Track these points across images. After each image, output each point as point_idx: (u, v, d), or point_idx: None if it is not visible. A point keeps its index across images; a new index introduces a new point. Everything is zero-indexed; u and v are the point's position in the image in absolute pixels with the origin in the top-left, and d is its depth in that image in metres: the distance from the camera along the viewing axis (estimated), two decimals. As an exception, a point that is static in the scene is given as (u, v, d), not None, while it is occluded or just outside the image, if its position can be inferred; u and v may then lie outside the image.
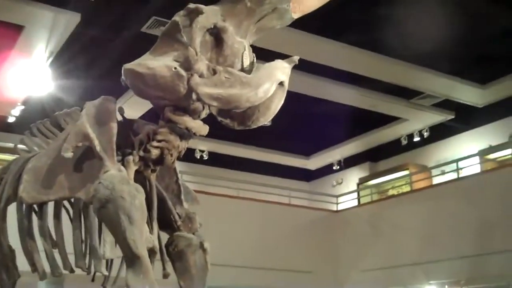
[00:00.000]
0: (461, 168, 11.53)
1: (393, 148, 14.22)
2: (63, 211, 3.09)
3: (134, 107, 8.66)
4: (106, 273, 3.11)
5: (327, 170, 16.05)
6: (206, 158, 14.00)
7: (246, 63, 2.96)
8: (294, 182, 16.04)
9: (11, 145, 11.07)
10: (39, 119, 9.66)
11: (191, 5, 2.95)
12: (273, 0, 2.97)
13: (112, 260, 3.03)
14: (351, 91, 11.11)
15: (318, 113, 11.55)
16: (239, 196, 11.70)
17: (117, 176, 2.69)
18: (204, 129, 3.01)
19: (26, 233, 3.07)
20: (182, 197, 3.28)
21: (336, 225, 12.55)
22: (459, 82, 11.07)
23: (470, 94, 11.59)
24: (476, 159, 11.85)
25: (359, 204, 13.59)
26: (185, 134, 2.95)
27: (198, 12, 2.90)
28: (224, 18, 2.96)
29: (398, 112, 12.47)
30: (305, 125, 12.73)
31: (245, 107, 2.87)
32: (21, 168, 3.21)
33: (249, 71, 2.92)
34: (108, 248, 2.66)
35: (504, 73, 10.99)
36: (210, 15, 2.92)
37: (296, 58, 3.04)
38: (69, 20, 7.99)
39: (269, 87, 2.86)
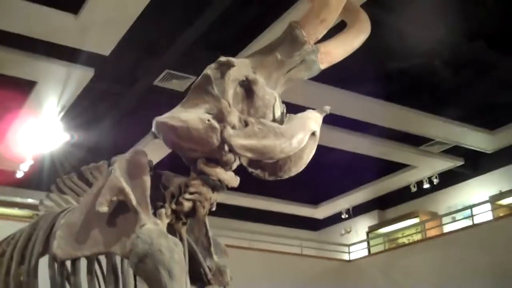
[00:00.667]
0: (473, 216, 11.45)
1: (402, 196, 14.17)
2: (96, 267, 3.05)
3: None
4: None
5: (335, 219, 15.94)
6: (213, 209, 13.84)
7: (278, 114, 2.96)
8: (302, 231, 15.91)
9: (19, 199, 11.13)
10: (49, 173, 9.68)
11: (223, 58, 2.98)
12: (302, 52, 2.98)
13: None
14: (361, 139, 11.15)
15: (327, 162, 11.55)
16: (250, 247, 11.60)
17: (155, 230, 2.66)
18: (236, 180, 3.00)
19: None
20: (212, 249, 3.23)
21: (348, 275, 12.39)
22: (468, 129, 11.12)
23: (479, 140, 11.64)
24: (488, 205, 11.79)
25: (370, 254, 13.45)
26: (218, 186, 2.94)
27: (230, 65, 2.92)
28: (255, 70, 2.98)
29: (407, 159, 12.48)
30: (313, 174, 12.58)
31: (279, 157, 2.87)
32: (51, 224, 3.17)
33: (280, 121, 2.93)
34: (146, 304, 2.62)
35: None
36: (242, 67, 2.94)
37: (327, 108, 3.05)
38: (82, 75, 8.11)
39: (303, 137, 2.86)
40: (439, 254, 10.80)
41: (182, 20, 7.36)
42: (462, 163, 12.68)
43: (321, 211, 15.82)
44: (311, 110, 2.99)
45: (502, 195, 12.02)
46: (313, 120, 2.94)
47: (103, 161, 3.54)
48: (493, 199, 11.95)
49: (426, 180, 13.28)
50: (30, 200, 10.41)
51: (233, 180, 2.97)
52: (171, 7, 7.23)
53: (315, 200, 15.40)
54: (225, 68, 2.92)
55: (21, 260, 3.24)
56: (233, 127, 2.81)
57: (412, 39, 8.07)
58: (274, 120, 2.90)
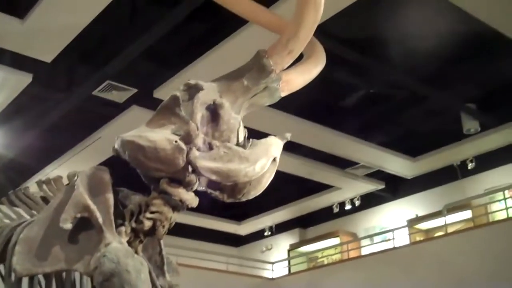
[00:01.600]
0: (393, 239, 11.90)
1: (324, 215, 14.55)
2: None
3: (76, 166, 8.53)
4: None
5: (257, 236, 16.10)
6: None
7: (241, 138, 3.05)
8: (223, 247, 15.97)
9: None
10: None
11: (192, 81, 3.04)
12: (268, 80, 3.08)
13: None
14: (288, 159, 11.36)
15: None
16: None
17: (122, 250, 2.67)
18: (196, 201, 3.05)
19: None
20: (165, 268, 3.26)
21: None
22: (391, 154, 11.61)
23: (400, 166, 12.16)
24: (405, 229, 12.31)
25: (291, 272, 13.67)
26: (179, 206, 2.97)
27: (198, 88, 2.98)
28: (221, 94, 3.04)
29: (332, 180, 12.84)
30: (238, 190, 12.74)
31: (243, 181, 2.94)
32: (6, 237, 3.11)
33: (243, 146, 3.01)
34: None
35: (432, 147, 11.66)
36: (209, 91, 3.00)
37: (288, 135, 3.17)
38: (19, 80, 7.88)
39: (266, 162, 2.96)
40: (360, 275, 11.12)
41: (129, 33, 7.34)
42: (383, 186, 13.21)
43: (245, 228, 15.94)
44: (273, 137, 3.11)
45: (418, 219, 12.58)
46: (275, 146, 3.05)
47: (58, 175, 3.50)
48: (411, 223, 12.49)
49: (348, 202, 13.71)
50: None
51: (194, 200, 3.02)
52: (119, 19, 7.21)
53: (239, 217, 15.50)
54: (193, 91, 2.98)
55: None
56: (198, 149, 2.86)
57: (341, 68, 8.40)
58: (238, 144, 2.98)
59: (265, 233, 15.69)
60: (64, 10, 6.70)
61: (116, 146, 3.01)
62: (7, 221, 3.48)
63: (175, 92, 3.02)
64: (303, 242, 15.06)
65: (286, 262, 14.34)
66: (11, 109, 8.79)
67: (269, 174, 3.05)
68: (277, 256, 15.10)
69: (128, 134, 3.00)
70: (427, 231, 12.51)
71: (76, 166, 9.55)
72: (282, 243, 15.53)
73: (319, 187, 13.36)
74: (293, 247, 15.01)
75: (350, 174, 12.64)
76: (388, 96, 9.63)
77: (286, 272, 14.00)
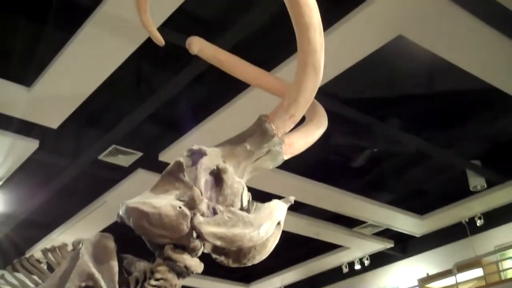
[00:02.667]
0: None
1: (334, 276, 14.33)
2: None
3: (82, 230, 8.55)
4: None
5: (266, 298, 15.86)
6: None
7: (245, 202, 3.05)
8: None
9: None
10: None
11: (195, 147, 3.05)
12: (270, 144, 3.10)
13: None
14: (295, 219, 11.31)
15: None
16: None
17: (125, 318, 2.65)
18: (201, 267, 3.02)
19: None
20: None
21: None
22: (398, 213, 11.54)
23: (408, 224, 12.06)
24: (416, 288, 12.13)
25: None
26: (184, 272, 2.94)
27: (202, 154, 2.99)
28: (224, 159, 3.05)
29: (340, 240, 12.72)
30: (246, 252, 12.65)
31: (248, 246, 2.92)
32: (9, 306, 3.09)
33: (247, 210, 3.00)
34: None
35: (439, 205, 11.60)
36: (213, 156, 3.01)
37: (292, 198, 3.17)
38: (26, 146, 7.98)
39: (270, 226, 2.94)
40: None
41: (134, 98, 7.48)
42: (392, 245, 13.08)
43: (253, 290, 15.73)
44: (277, 200, 3.11)
45: (429, 278, 12.38)
46: (279, 210, 3.04)
47: (63, 243, 3.49)
48: (422, 282, 12.29)
49: (357, 261, 13.56)
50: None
51: (199, 266, 2.99)
52: (125, 85, 7.35)
53: (247, 279, 15.30)
54: (197, 156, 2.99)
55: None
56: (203, 215, 2.86)
57: (344, 128, 8.48)
58: (242, 208, 2.98)
59: (274, 295, 15.45)
60: (69, 78, 6.85)
61: (120, 213, 3.00)
62: (11, 289, 3.46)
63: (178, 158, 3.04)
64: (313, 304, 14.81)
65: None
66: (18, 174, 8.86)
67: (274, 238, 3.03)
68: (286, 318, 14.82)
69: (132, 200, 3.00)
70: (440, 290, 12.30)
71: (82, 230, 9.60)
72: (292, 305, 15.28)
73: (328, 247, 13.23)
74: (302, 309, 14.76)
75: (358, 233, 12.54)
76: (393, 155, 9.66)
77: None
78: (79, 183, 9.27)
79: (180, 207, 2.81)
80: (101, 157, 8.58)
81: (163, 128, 8.41)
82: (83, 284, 2.76)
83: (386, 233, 12.73)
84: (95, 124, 8.23)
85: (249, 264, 3.06)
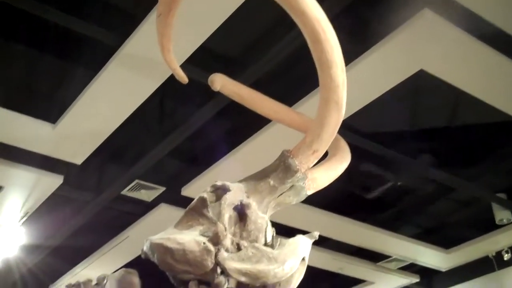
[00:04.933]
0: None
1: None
2: None
3: (105, 265, 8.57)
4: None
5: (289, 335, 15.61)
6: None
7: (269, 238, 3.04)
8: None
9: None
10: (6, 280, 9.30)
11: (219, 183, 3.05)
12: (294, 179, 3.10)
13: None
14: (318, 253, 11.22)
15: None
16: None
17: None
18: (225, 302, 3.01)
19: None
20: None
21: None
22: (424, 247, 11.37)
23: (434, 258, 11.86)
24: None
25: None
26: (208, 308, 2.94)
27: (226, 189, 3.00)
28: (248, 194, 3.05)
29: (364, 275, 12.53)
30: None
31: (272, 282, 2.91)
32: None
33: (272, 245, 3.00)
34: None
35: (465, 239, 11.42)
36: (237, 191, 3.01)
37: (316, 234, 3.15)
38: (51, 182, 8.08)
39: (295, 262, 2.92)
40: None
41: (157, 133, 7.56)
42: (418, 280, 12.84)
43: (276, 326, 15.48)
44: (301, 236, 3.09)
45: (456, 314, 12.17)
46: (303, 245, 3.03)
47: (88, 279, 3.50)
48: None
49: (382, 296, 13.34)
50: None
51: (223, 302, 2.99)
52: (148, 120, 7.45)
53: (269, 315, 15.09)
54: (220, 192, 2.99)
55: None
56: (227, 250, 2.86)
57: (367, 161, 8.46)
58: (266, 244, 2.98)
59: (298, 332, 15.21)
60: (93, 115, 6.97)
61: (144, 249, 3.00)
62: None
63: (202, 194, 3.06)
64: None
65: None
66: (42, 209, 8.96)
67: (299, 274, 3.01)
68: None
69: (156, 236, 3.01)
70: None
71: (105, 265, 9.62)
72: None
73: (351, 282, 13.04)
74: None
75: (383, 268, 12.36)
76: (416, 188, 9.59)
77: None
78: (102, 217, 9.34)
79: (204, 243, 2.81)
80: (124, 192, 8.65)
81: (186, 163, 8.47)
82: (108, 321, 2.77)
83: (411, 268, 12.53)
84: (119, 159, 8.33)
85: (273, 300, 3.05)
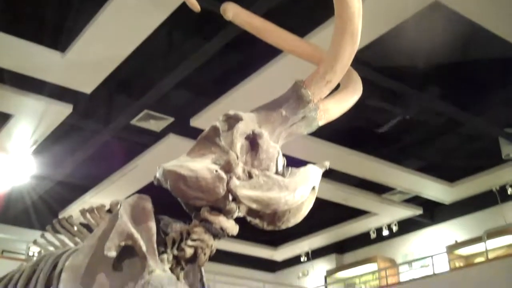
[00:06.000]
0: (433, 265, 11.72)
1: (361, 241, 14.46)
2: None
3: (114, 194, 8.71)
4: None
5: (293, 261, 16.04)
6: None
7: (280, 167, 3.08)
8: (259, 273, 15.93)
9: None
10: (17, 206, 9.49)
11: (231, 112, 3.08)
12: (306, 110, 3.11)
13: None
14: (325, 185, 11.35)
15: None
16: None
17: (165, 277, 2.71)
18: (236, 229, 3.07)
19: None
20: (205, 295, 3.29)
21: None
22: (428, 180, 11.50)
23: (438, 192, 12.02)
24: (445, 255, 12.11)
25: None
26: (220, 233, 2.99)
27: (238, 119, 3.02)
28: (260, 124, 3.07)
29: (368, 206, 12.75)
30: (275, 216, 12.75)
31: (283, 209, 2.97)
32: (52, 265, 3.20)
33: (282, 174, 3.04)
34: None
35: (470, 173, 11.54)
36: (248, 121, 3.04)
37: (327, 164, 3.19)
38: (60, 111, 8.12)
39: (305, 190, 2.98)
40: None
41: (166, 64, 7.52)
42: (421, 212, 13.06)
43: (281, 253, 15.90)
44: (312, 165, 3.13)
45: (458, 245, 12.37)
46: (314, 174, 3.08)
47: (101, 204, 3.58)
48: (450, 249, 12.29)
49: (385, 227, 13.59)
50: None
51: (234, 228, 3.04)
52: (156, 51, 7.39)
53: (274, 242, 15.47)
54: (233, 121, 3.02)
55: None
56: (238, 178, 2.90)
57: (377, 95, 8.42)
58: (277, 172, 3.02)
59: (301, 259, 15.61)
60: (103, 43, 6.92)
61: (157, 175, 3.05)
62: (51, 248, 3.57)
63: (214, 123, 3.09)
64: (340, 268, 14.93)
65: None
66: (52, 138, 9.04)
67: (309, 202, 3.07)
68: (314, 282, 14.97)
69: (169, 163, 3.05)
70: (467, 257, 12.27)
71: (113, 193, 9.79)
72: (319, 269, 15.43)
73: (356, 213, 13.28)
74: (330, 273, 14.86)
75: (387, 200, 12.54)
76: (424, 122, 9.57)
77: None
78: (111, 147, 9.41)
79: (216, 171, 2.86)
80: (133, 122, 8.69)
81: (195, 94, 8.45)
82: (123, 243, 2.82)
83: (415, 200, 12.70)
84: (128, 89, 8.31)
85: (283, 227, 3.11)
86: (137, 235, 2.85)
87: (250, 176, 2.92)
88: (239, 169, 2.90)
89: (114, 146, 9.35)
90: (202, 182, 2.86)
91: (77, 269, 2.95)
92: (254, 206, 2.88)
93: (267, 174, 2.93)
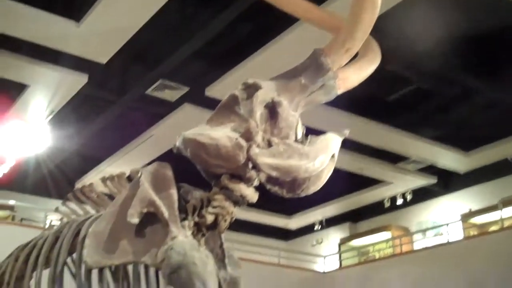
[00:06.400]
0: (447, 233, 11.76)
1: (375, 210, 14.47)
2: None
3: (130, 163, 8.76)
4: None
5: (307, 230, 16.14)
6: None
7: (299, 135, 3.09)
8: (273, 241, 16.05)
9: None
10: (33, 176, 9.56)
11: (250, 80, 3.08)
12: (325, 78, 3.11)
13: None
14: (339, 153, 11.28)
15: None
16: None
17: (187, 243, 2.75)
18: (256, 196, 3.10)
19: None
20: (226, 261, 3.33)
21: (323, 286, 12.54)
22: (443, 149, 11.48)
23: (453, 161, 12.00)
24: (459, 223, 12.14)
25: (342, 266, 13.65)
26: (240, 201, 3.03)
27: (257, 87, 3.02)
28: (279, 92, 3.08)
29: (383, 175, 12.75)
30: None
31: (303, 177, 2.99)
32: (75, 231, 3.26)
33: (301, 142, 3.05)
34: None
35: (485, 142, 11.48)
36: (268, 90, 3.04)
37: (346, 132, 3.21)
38: (75, 81, 8.15)
39: (325, 158, 3.00)
40: (413, 269, 11.00)
41: (181, 34, 7.49)
42: (435, 181, 13.05)
43: (295, 222, 16.00)
44: (331, 133, 3.15)
45: (472, 214, 12.38)
46: (333, 142, 3.09)
47: (122, 172, 3.61)
48: (464, 218, 12.30)
49: (399, 196, 13.59)
50: (11, 202, 10.36)
51: (254, 195, 3.07)
52: (173, 20, 7.35)
53: (289, 211, 15.55)
54: (252, 90, 3.02)
55: (46, 265, 3.32)
56: (258, 146, 2.92)
57: (393, 63, 8.35)
58: (296, 141, 3.03)
59: (315, 227, 15.70)
60: (118, 13, 6.91)
61: (177, 143, 3.07)
62: (74, 216, 3.63)
63: (234, 91, 3.09)
64: (353, 236, 15.01)
65: (337, 256, 14.33)
66: (67, 108, 9.09)
67: (328, 169, 3.10)
68: (327, 250, 15.09)
69: (189, 132, 3.07)
70: (482, 225, 12.28)
71: (129, 163, 9.87)
72: (332, 237, 15.52)
73: (370, 182, 13.28)
74: (343, 241, 14.95)
75: (401, 169, 12.53)
76: (440, 91, 9.50)
77: (337, 266, 13.99)
78: (126, 117, 9.45)
79: (236, 139, 2.88)
80: (148, 91, 8.70)
81: (210, 64, 8.42)
82: (145, 210, 2.87)
83: (430, 169, 12.66)
84: (143, 59, 8.30)
85: (303, 194, 3.14)
86: (159, 202, 2.90)
87: (269, 144, 2.94)
88: (258, 137, 2.92)
89: (129, 116, 9.39)
90: (222, 150, 2.88)
91: (100, 235, 3.01)
92: (274, 173, 2.91)
93: (286, 142, 2.95)
